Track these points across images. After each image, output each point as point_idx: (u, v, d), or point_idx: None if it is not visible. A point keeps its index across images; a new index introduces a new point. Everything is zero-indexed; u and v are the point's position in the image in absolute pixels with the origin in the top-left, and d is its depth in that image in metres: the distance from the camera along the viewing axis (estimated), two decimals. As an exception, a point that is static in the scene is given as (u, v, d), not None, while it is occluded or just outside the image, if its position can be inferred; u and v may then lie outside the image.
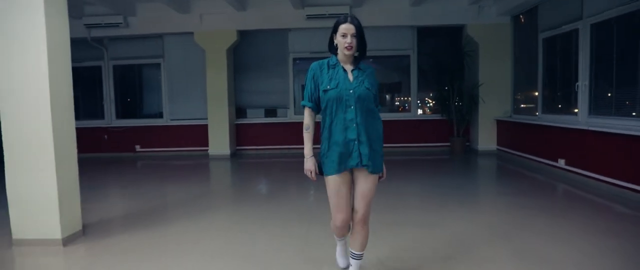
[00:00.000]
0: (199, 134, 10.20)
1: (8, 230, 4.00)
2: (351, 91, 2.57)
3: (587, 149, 6.05)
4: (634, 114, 5.48)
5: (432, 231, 4.13)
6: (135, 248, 3.83)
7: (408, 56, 10.02)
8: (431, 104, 10.25)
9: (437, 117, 9.84)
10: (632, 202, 5.01)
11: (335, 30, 2.63)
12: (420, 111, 10.25)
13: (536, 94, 8.05)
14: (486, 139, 9.32)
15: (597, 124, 6.03)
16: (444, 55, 9.60)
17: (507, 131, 8.81)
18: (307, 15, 9.05)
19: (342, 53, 2.62)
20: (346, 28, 2.58)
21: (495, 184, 6.71)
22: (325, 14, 8.97)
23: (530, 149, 7.72)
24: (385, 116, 9.96)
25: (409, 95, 10.16)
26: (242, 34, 9.91)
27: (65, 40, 4.02)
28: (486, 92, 9.15)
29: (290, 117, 10.25)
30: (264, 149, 10.28)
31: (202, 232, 4.30)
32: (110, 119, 10.57)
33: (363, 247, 2.75)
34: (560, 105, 7.36)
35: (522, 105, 8.83)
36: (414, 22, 9.36)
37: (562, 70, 7.19)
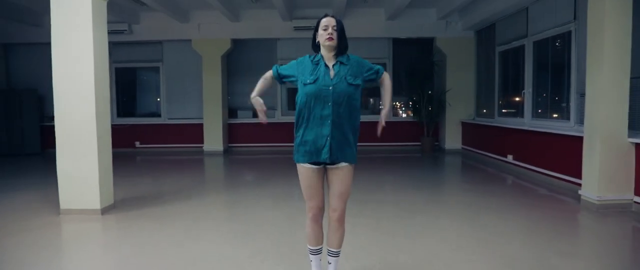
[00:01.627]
0: (194, 132, 11.19)
1: (56, 202, 4.99)
2: (330, 88, 2.62)
3: (529, 146, 7.24)
4: (564, 116, 6.69)
5: (403, 206, 5.25)
6: (158, 216, 4.85)
7: (384, 64, 11.17)
8: (401, 107, 11.42)
9: (409, 119, 11.00)
10: (554, 186, 6.21)
11: (317, 28, 2.75)
12: (404, 114, 11.41)
13: (494, 99, 9.25)
14: (453, 139, 10.52)
15: (537, 125, 7.23)
16: (416, 64, 10.78)
17: (470, 132, 10.00)
18: (294, 26, 10.13)
19: (324, 47, 2.71)
20: (327, 21, 2.71)
21: (455, 176, 7.87)
22: (310, 26, 10.02)
23: (487, 147, 8.90)
24: (365, 118, 11.09)
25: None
26: (235, 42, 10.93)
27: (105, 53, 5.02)
28: (453, 97, 10.35)
29: (278, 118, 11.30)
30: (254, 146, 11.31)
31: (210, 205, 5.35)
32: (112, 117, 11.48)
33: (340, 244, 2.87)
34: (512, 109, 8.57)
35: (484, 109, 10.04)
36: (389, 34, 10.51)
37: (514, 79, 8.40)
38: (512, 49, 8.35)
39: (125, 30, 10.25)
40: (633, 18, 4.88)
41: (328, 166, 2.75)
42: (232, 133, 11.38)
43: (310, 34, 9.99)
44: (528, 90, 7.66)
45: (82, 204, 4.86)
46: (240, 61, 11.38)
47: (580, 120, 6.11)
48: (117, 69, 11.48)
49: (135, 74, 11.68)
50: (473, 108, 10.43)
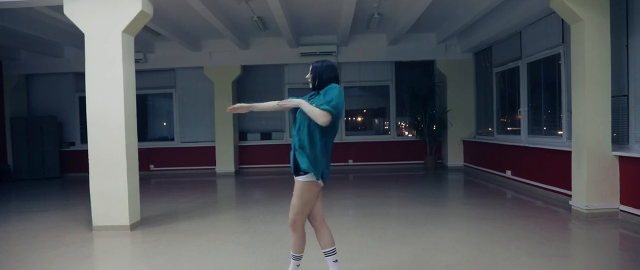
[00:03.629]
0: (206, 155, 11.68)
1: (87, 221, 5.45)
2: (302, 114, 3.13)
3: (526, 162, 7.65)
4: (557, 133, 7.12)
5: (407, 218, 5.67)
6: (181, 231, 5.29)
7: (388, 86, 11.69)
8: (406, 127, 11.89)
9: (413, 138, 11.46)
10: (548, 199, 6.60)
11: None
12: (409, 134, 11.88)
13: (493, 118, 9.71)
14: (454, 156, 10.94)
15: (533, 141, 7.66)
16: (418, 86, 11.30)
17: (471, 150, 10.43)
18: (301, 52, 10.69)
19: None
20: (310, 69, 3.32)
21: (457, 191, 8.26)
22: (316, 52, 10.63)
23: (488, 163, 9.31)
24: (370, 138, 11.60)
25: (388, 120, 11.80)
26: (245, 68, 11.50)
27: (132, 83, 5.54)
28: (454, 116, 10.82)
29: (286, 140, 11.78)
30: (264, 167, 11.77)
31: (227, 221, 5.79)
32: (128, 142, 11.99)
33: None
34: (510, 127, 9.01)
35: (483, 128, 10.48)
36: (391, 58, 11.05)
37: (511, 99, 8.86)
38: (508, 70, 8.84)
39: (141, 59, 10.85)
40: (612, 40, 5.36)
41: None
42: (243, 155, 11.85)
43: (314, 60, 10.43)
44: (524, 108, 8.12)
45: (113, 220, 5.31)
46: (250, 86, 11.95)
47: (571, 136, 6.55)
48: (132, 96, 12.04)
49: (146, 100, 12.26)
50: (473, 127, 10.88)
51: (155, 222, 5.82)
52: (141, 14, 5.25)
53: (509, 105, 8.95)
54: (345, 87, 11.76)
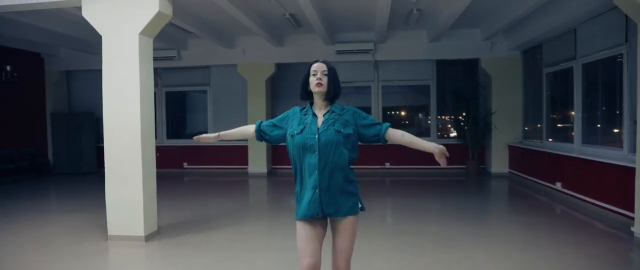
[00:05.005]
0: (239, 154, 11.45)
1: (105, 228, 5.26)
2: (316, 136, 2.51)
3: (578, 174, 6.91)
4: (616, 144, 6.35)
5: (441, 240, 5.15)
6: (198, 244, 5.00)
7: (428, 85, 11.05)
8: (450, 129, 11.22)
9: (454, 141, 10.78)
10: (605, 219, 5.87)
11: (307, 75, 2.65)
12: (452, 135, 11.24)
13: (542, 122, 8.92)
14: (499, 162, 10.20)
15: (587, 152, 6.90)
16: (460, 85, 10.62)
17: (518, 156, 9.67)
18: (336, 50, 10.23)
19: (314, 94, 2.61)
20: (316, 66, 2.61)
21: (501, 204, 7.61)
22: (352, 50, 10.14)
23: (535, 172, 8.57)
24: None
25: (429, 122, 11.17)
26: (279, 66, 11.17)
27: (150, 85, 5.27)
28: (499, 119, 10.07)
29: (321, 140, 11.38)
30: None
31: (247, 235, 5.45)
32: (162, 139, 11.97)
33: None
34: (561, 134, 8.22)
35: (531, 133, 9.68)
36: (432, 56, 10.41)
37: (562, 103, 8.07)
38: (560, 71, 8.05)
39: (174, 56, 10.71)
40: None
41: (331, 219, 2.61)
42: (276, 155, 11.56)
43: (350, 58, 9.95)
44: (578, 114, 7.34)
45: (128, 230, 5.09)
46: (285, 84, 11.62)
47: (634, 149, 5.78)
48: (167, 93, 11.99)
49: (185, 96, 12.17)
50: (520, 131, 10.09)
51: (175, 231, 5.56)
52: (158, 15, 4.96)
53: (561, 110, 8.16)
54: (383, 87, 11.22)
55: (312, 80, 2.59)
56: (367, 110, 11.33)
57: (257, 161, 11.04)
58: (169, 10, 5.13)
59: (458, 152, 10.76)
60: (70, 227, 5.83)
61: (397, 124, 11.61)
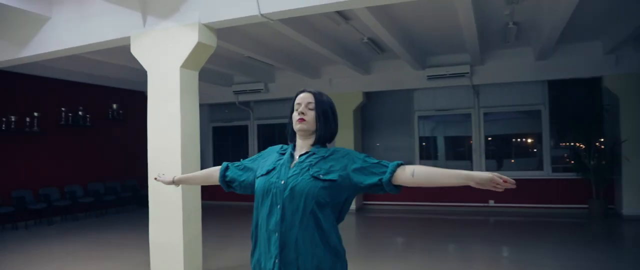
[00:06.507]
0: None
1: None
2: (282, 182, 1.87)
3: None
4: None
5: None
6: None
7: (539, 111, 9.54)
8: (567, 160, 9.51)
9: (572, 175, 9.05)
10: None
11: (292, 109, 2.08)
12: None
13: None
14: (633, 202, 8.25)
15: None
16: (579, 109, 8.98)
17: (659, 194, 7.75)
18: (427, 75, 9.31)
19: (296, 132, 2.03)
20: (301, 98, 2.04)
21: (637, 262, 5.93)
22: (445, 74, 9.14)
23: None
24: (517, 174, 9.54)
25: (541, 152, 9.59)
26: (369, 95, 10.54)
27: (194, 124, 5.00)
28: (631, 149, 8.20)
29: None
30: (391, 204, 10.51)
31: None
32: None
33: None
34: None
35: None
36: (542, 77, 8.98)
37: None
38: None
39: (262, 89, 10.68)
40: None
41: None
42: (367, 189, 10.81)
43: (445, 83, 8.82)
44: None
45: (169, 275, 4.77)
46: (376, 114, 10.95)
47: None
48: (258, 126, 12.01)
49: (275, 129, 12.09)
50: (662, 163, 8.12)
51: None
52: (199, 46, 4.70)
53: None
54: (484, 114, 9.95)
55: (294, 116, 2.01)
56: (467, 140, 10.14)
57: (346, 196, 10.39)
58: (211, 41, 4.85)
59: (578, 188, 9.02)
60: (125, 265, 5.73)
61: (503, 154, 10.19)
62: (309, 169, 1.87)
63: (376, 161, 1.91)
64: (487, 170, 9.69)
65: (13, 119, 8.55)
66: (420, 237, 7.34)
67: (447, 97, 10.20)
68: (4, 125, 8.42)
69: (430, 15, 6.79)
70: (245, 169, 2.14)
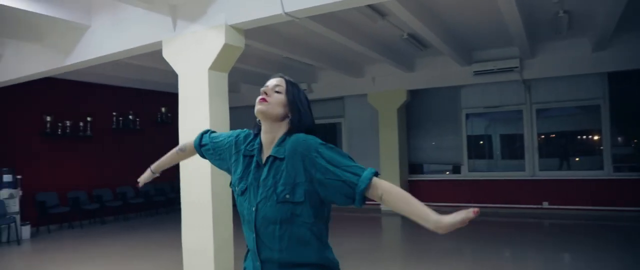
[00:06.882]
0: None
1: (182, 272, 5.09)
2: (254, 209, 1.72)
3: None
4: None
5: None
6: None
7: (598, 106, 8.87)
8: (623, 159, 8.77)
9: (636, 175, 8.32)
10: None
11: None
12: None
13: None
14: None
15: None
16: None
17: None
18: (474, 71, 8.90)
19: (256, 114, 1.78)
20: (269, 82, 1.82)
21: None
22: (493, 69, 8.69)
23: None
24: (574, 174, 8.95)
25: (600, 151, 8.89)
26: (413, 93, 10.24)
27: (224, 126, 4.98)
28: None
29: (464, 174, 10.02)
30: (441, 205, 10.16)
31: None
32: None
33: None
34: None
35: None
36: (600, 69, 8.33)
37: None
38: None
39: (305, 89, 10.64)
40: None
41: None
42: (414, 190, 10.47)
43: (493, 79, 8.47)
44: None
45: (201, 277, 4.80)
46: (421, 113, 10.64)
47: None
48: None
49: (319, 129, 12.03)
50: None
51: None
52: (226, 48, 4.68)
53: None
54: (537, 110, 9.39)
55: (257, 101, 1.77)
56: (519, 138, 9.60)
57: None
58: (239, 42, 4.83)
59: (638, 189, 8.29)
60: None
61: (558, 152, 9.57)
62: (274, 188, 1.68)
63: (340, 173, 1.67)
64: (541, 170, 9.17)
65: (68, 124, 9.03)
66: (471, 242, 6.88)
67: (496, 93, 9.73)
68: (59, 130, 8.91)
69: (470, 7, 6.49)
70: (217, 151, 2.01)
